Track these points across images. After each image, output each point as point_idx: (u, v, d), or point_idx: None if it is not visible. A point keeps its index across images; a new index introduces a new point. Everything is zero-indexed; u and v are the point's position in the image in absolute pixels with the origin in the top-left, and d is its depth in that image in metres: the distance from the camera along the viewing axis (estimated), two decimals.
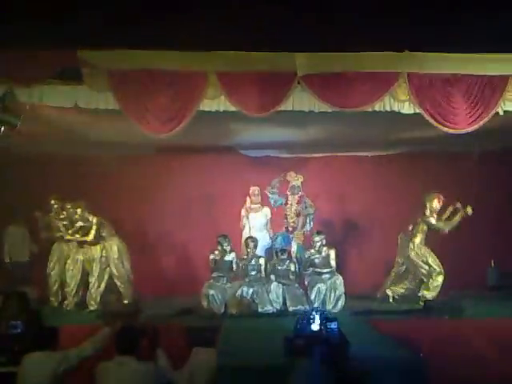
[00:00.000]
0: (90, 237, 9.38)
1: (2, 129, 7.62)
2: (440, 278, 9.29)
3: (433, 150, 10.67)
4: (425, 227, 9.53)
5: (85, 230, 9.42)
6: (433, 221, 9.46)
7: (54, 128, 8.60)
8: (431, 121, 7.39)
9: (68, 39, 6.70)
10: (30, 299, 6.93)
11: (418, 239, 9.53)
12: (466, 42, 6.87)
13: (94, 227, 9.39)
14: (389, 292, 9.66)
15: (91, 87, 7.08)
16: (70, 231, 9.45)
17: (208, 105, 7.34)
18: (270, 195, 10.19)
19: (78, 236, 9.43)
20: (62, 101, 7.30)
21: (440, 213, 9.57)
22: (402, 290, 9.67)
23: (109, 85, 7.04)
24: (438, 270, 9.29)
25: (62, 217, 9.63)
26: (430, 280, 9.30)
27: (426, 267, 9.35)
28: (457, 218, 9.44)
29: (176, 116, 7.23)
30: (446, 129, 7.46)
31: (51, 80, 7.03)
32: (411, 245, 9.51)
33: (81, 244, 9.45)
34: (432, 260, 9.35)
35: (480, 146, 10.42)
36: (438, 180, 10.29)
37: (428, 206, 9.50)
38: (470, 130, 7.45)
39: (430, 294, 9.21)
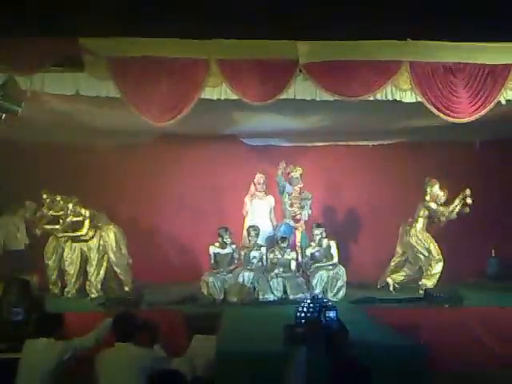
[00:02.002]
0: (84, 231, 9.39)
1: (3, 116, 7.63)
2: (439, 266, 9.30)
3: (434, 139, 10.66)
4: (425, 212, 9.54)
5: (77, 225, 9.44)
6: (433, 205, 9.47)
7: (54, 115, 8.58)
8: (433, 110, 7.37)
9: (70, 27, 6.68)
10: (32, 287, 6.97)
11: (419, 225, 9.55)
12: (468, 30, 6.84)
13: (87, 221, 9.40)
14: (389, 281, 9.67)
15: (92, 75, 7.06)
16: (60, 227, 9.46)
17: (209, 93, 7.31)
18: (280, 182, 10.14)
19: (70, 232, 9.45)
20: (63, 88, 7.28)
21: (446, 203, 9.53)
22: (401, 278, 9.67)
23: (110, 72, 7.02)
24: (437, 257, 9.30)
25: (52, 212, 9.64)
26: (429, 268, 9.33)
27: (426, 253, 9.37)
28: (458, 205, 9.45)
29: (177, 104, 7.21)
30: (447, 118, 7.44)
31: (52, 67, 7.02)
32: (412, 230, 9.54)
33: (74, 239, 9.47)
34: (432, 247, 9.37)
35: (480, 135, 10.44)
36: (439, 169, 10.27)
37: (428, 190, 9.51)
38: (471, 119, 7.44)
39: (429, 282, 9.24)
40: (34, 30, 6.70)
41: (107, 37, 6.88)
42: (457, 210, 9.46)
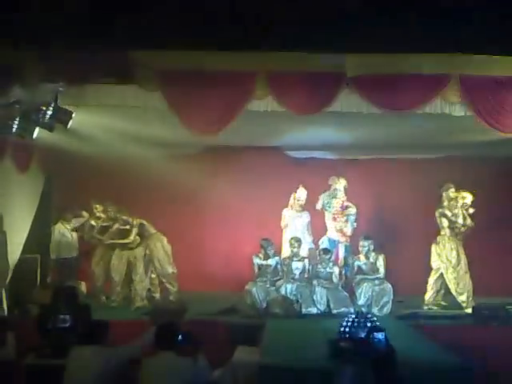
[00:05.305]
0: (131, 238, 9.57)
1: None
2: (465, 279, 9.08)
3: (484, 153, 10.43)
4: (444, 220, 9.33)
5: (125, 233, 9.62)
6: (448, 213, 9.27)
7: (101, 127, 8.74)
8: (483, 123, 7.23)
9: (119, 39, 6.80)
10: (79, 294, 7.08)
11: (442, 232, 9.36)
12: None
13: (134, 229, 9.59)
14: (430, 298, 9.46)
15: (141, 87, 7.17)
16: (106, 235, 9.71)
17: (256, 105, 7.34)
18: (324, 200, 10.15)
19: (116, 239, 9.66)
20: (112, 100, 7.42)
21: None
22: (445, 304, 9.38)
23: (158, 85, 7.12)
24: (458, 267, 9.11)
25: (103, 221, 9.93)
26: (454, 279, 9.10)
27: (446, 261, 9.17)
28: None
29: (223, 116, 7.25)
30: (498, 132, 7.29)
31: (102, 79, 7.15)
32: (436, 239, 9.39)
33: (121, 247, 9.64)
34: (455, 255, 9.16)
35: None
36: (488, 184, 10.06)
37: (444, 195, 9.35)
38: None
39: (462, 297, 9.02)
40: (85, 43, 6.83)
41: (156, 50, 6.99)
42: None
